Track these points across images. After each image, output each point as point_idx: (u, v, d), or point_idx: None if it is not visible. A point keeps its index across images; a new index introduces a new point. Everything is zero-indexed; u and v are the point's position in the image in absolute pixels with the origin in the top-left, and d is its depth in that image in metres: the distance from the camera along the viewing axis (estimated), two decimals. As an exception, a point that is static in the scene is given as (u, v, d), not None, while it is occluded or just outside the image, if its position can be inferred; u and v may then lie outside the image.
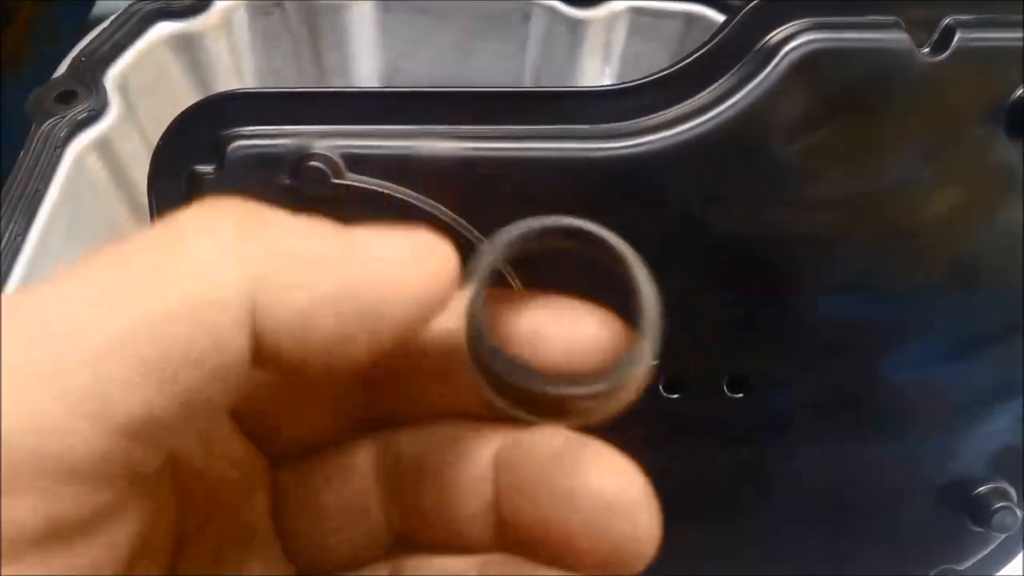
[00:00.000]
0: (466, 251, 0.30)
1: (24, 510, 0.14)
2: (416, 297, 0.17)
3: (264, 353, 0.16)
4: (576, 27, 0.53)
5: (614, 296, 0.20)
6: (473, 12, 0.52)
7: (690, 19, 0.51)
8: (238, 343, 0.16)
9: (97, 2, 0.61)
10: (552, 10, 0.52)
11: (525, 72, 0.56)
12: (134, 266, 0.16)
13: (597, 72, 0.55)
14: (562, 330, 0.20)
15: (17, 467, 0.14)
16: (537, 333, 0.20)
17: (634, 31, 0.54)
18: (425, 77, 0.55)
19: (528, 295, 0.21)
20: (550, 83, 0.54)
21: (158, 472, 0.17)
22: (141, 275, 0.15)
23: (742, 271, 0.32)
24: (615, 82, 0.31)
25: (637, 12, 0.53)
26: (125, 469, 0.15)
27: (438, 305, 0.18)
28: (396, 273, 0.17)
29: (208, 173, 0.30)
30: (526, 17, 0.53)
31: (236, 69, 0.51)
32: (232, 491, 0.21)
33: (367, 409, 0.22)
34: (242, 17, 0.50)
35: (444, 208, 0.30)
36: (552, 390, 0.19)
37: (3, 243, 0.39)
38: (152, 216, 0.31)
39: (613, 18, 0.53)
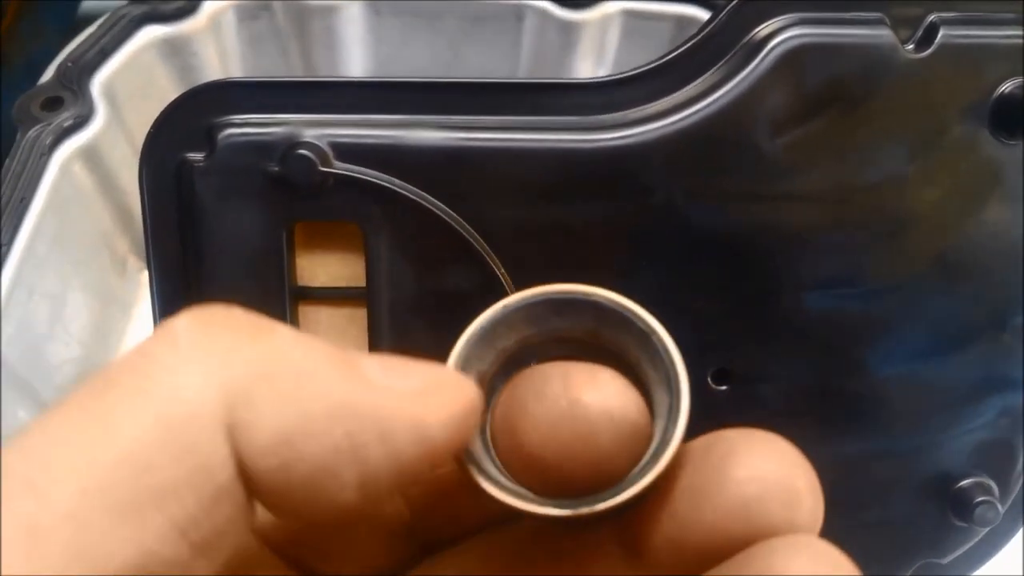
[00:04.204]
0: (454, 242, 0.32)
1: None
2: (418, 432, 0.16)
3: (245, 475, 0.16)
4: (569, 29, 0.54)
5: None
6: (464, 14, 0.54)
7: (682, 21, 0.53)
8: (221, 465, 0.15)
9: (83, 2, 0.62)
10: (544, 12, 0.54)
11: (519, 74, 0.58)
12: (111, 396, 0.15)
13: (591, 74, 0.57)
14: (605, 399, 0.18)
15: None
16: (578, 402, 0.18)
17: (627, 33, 0.56)
18: (416, 80, 0.57)
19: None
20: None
21: None
22: (116, 407, 0.15)
23: (726, 264, 0.33)
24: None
25: (629, 14, 0.55)
26: None
27: (447, 443, 0.17)
28: (397, 404, 0.16)
29: (198, 161, 0.32)
30: (519, 19, 0.55)
31: (225, 72, 0.52)
32: None
33: (421, 534, 0.21)
34: (230, 20, 0.51)
35: (431, 198, 0.32)
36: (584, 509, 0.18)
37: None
38: (143, 203, 0.32)
39: (606, 20, 0.55)
